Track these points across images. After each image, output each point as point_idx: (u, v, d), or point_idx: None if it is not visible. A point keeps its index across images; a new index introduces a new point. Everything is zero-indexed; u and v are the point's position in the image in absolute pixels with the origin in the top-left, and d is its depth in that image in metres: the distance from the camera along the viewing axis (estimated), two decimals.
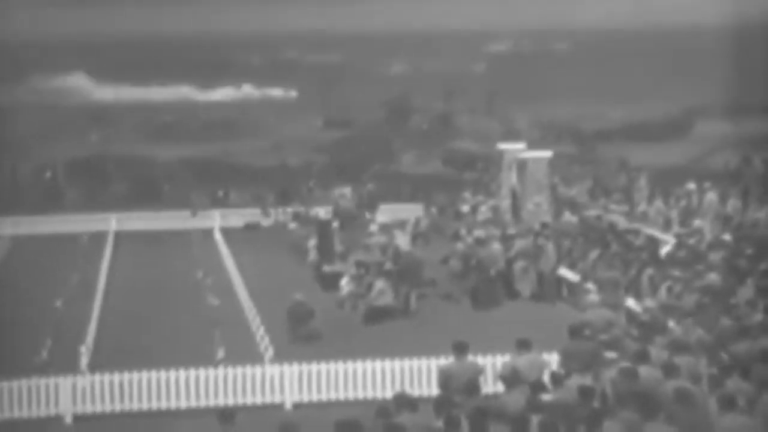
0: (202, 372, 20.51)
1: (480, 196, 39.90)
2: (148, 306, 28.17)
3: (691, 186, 36.46)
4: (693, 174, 39.72)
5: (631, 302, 24.20)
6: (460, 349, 16.94)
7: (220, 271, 31.77)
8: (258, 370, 20.74)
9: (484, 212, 37.18)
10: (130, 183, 47.11)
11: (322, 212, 37.69)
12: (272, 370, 20.80)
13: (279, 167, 50.47)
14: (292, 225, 37.95)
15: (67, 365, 21.35)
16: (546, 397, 15.00)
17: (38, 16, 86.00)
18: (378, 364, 20.81)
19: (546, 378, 16.24)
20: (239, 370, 20.62)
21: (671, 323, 20.67)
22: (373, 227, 33.37)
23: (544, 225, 30.43)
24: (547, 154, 35.81)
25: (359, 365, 20.82)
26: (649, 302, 23.36)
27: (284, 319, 24.65)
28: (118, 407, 20.25)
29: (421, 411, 14.34)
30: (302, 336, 24.25)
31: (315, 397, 20.69)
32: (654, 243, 29.12)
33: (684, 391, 14.40)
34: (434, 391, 18.17)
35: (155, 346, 23.77)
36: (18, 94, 66.22)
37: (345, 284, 27.79)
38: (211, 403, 20.20)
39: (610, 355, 17.61)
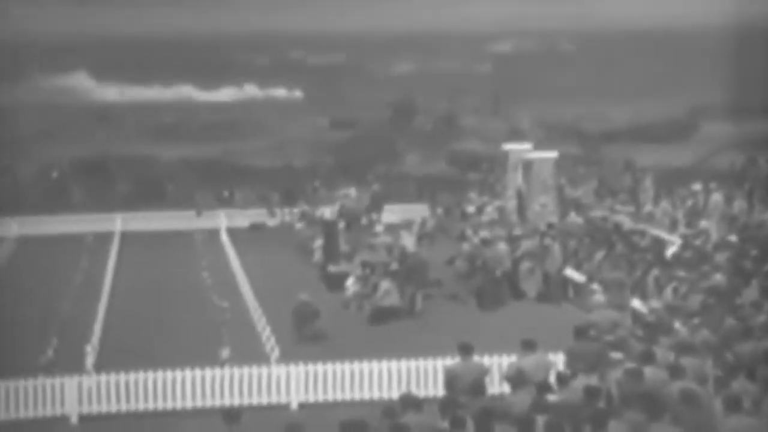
0: (207, 372, 20.54)
1: (486, 197, 39.82)
2: (154, 306, 28.19)
3: (697, 187, 36.36)
4: (699, 175, 39.61)
5: (636, 303, 24.20)
6: (466, 349, 16.93)
7: (225, 271, 31.79)
8: (264, 370, 20.77)
9: (489, 213, 37.10)
10: (134, 183, 47.05)
11: (328, 212, 37.64)
12: (278, 370, 20.82)
13: (284, 167, 50.42)
14: (299, 225, 37.95)
15: (73, 365, 21.34)
16: (552, 397, 14.99)
17: (40, 16, 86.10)
18: (384, 364, 20.83)
19: (552, 378, 16.22)
20: (245, 370, 20.65)
21: (677, 324, 20.67)
22: (379, 228, 33.39)
23: (549, 226, 30.44)
24: (552, 154, 35.75)
25: (365, 365, 20.84)
26: (655, 303, 23.35)
27: (290, 319, 24.67)
28: (124, 407, 20.29)
29: (427, 411, 14.35)
30: (308, 336, 24.25)
31: (321, 398, 20.72)
32: (660, 244, 29.09)
33: (689, 392, 14.39)
34: (440, 391, 18.21)
35: (161, 346, 23.78)
36: (19, 94, 66.15)
37: (350, 284, 27.78)
38: (217, 403, 20.22)
39: (616, 355, 17.56)
